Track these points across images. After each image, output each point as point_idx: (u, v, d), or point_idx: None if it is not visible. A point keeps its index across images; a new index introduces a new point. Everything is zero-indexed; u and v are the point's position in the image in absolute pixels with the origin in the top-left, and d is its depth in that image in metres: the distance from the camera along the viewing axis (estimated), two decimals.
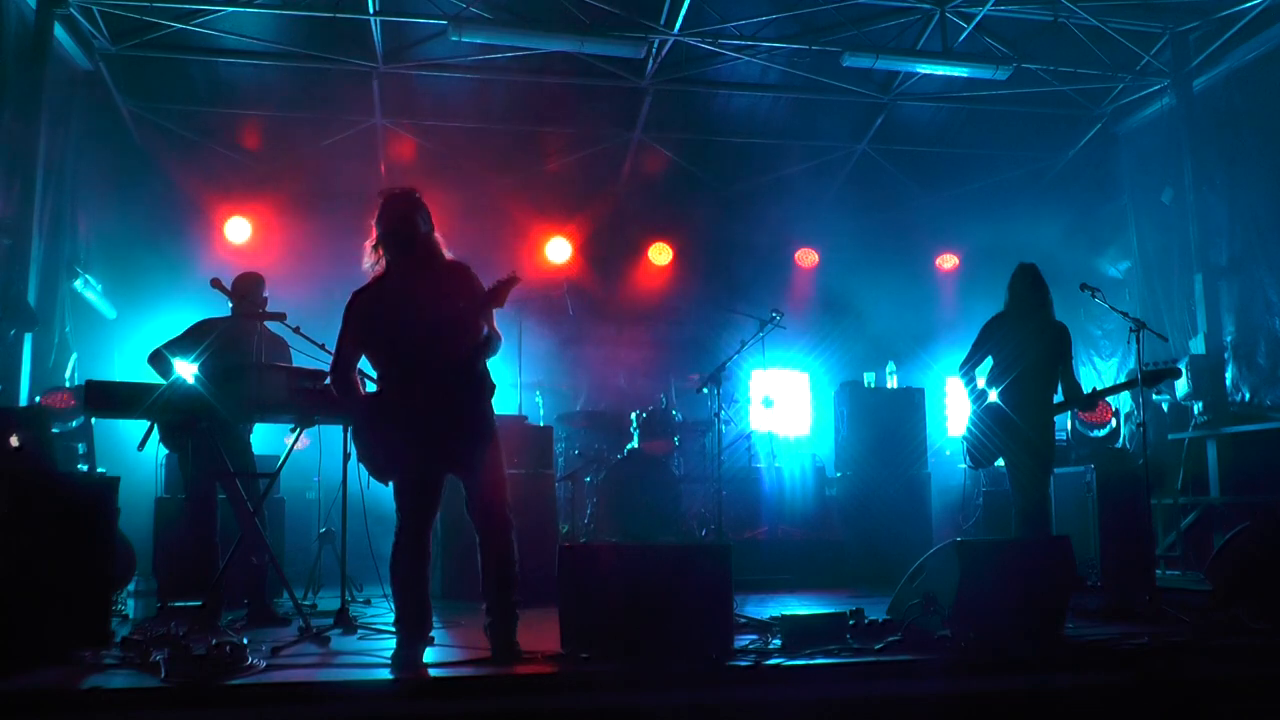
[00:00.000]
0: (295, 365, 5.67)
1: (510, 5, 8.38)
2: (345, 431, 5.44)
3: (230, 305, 5.82)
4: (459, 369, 4.15)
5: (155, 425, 5.18)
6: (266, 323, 5.74)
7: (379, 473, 4.26)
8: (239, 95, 9.51)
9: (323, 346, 5.58)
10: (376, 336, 4.25)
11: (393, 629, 4.29)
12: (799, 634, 4.43)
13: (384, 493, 4.40)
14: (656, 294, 10.91)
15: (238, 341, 5.59)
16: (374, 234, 4.31)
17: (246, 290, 5.82)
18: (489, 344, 4.20)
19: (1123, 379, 6.56)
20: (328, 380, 4.78)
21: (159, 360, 5.48)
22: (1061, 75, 9.45)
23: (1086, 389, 6.06)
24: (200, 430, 5.23)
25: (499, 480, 4.30)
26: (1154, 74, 9.39)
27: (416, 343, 4.16)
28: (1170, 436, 8.83)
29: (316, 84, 9.34)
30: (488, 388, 4.29)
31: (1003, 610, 4.58)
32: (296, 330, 5.65)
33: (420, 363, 4.14)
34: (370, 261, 4.36)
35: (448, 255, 4.35)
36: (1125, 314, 6.21)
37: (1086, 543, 6.94)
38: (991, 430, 5.90)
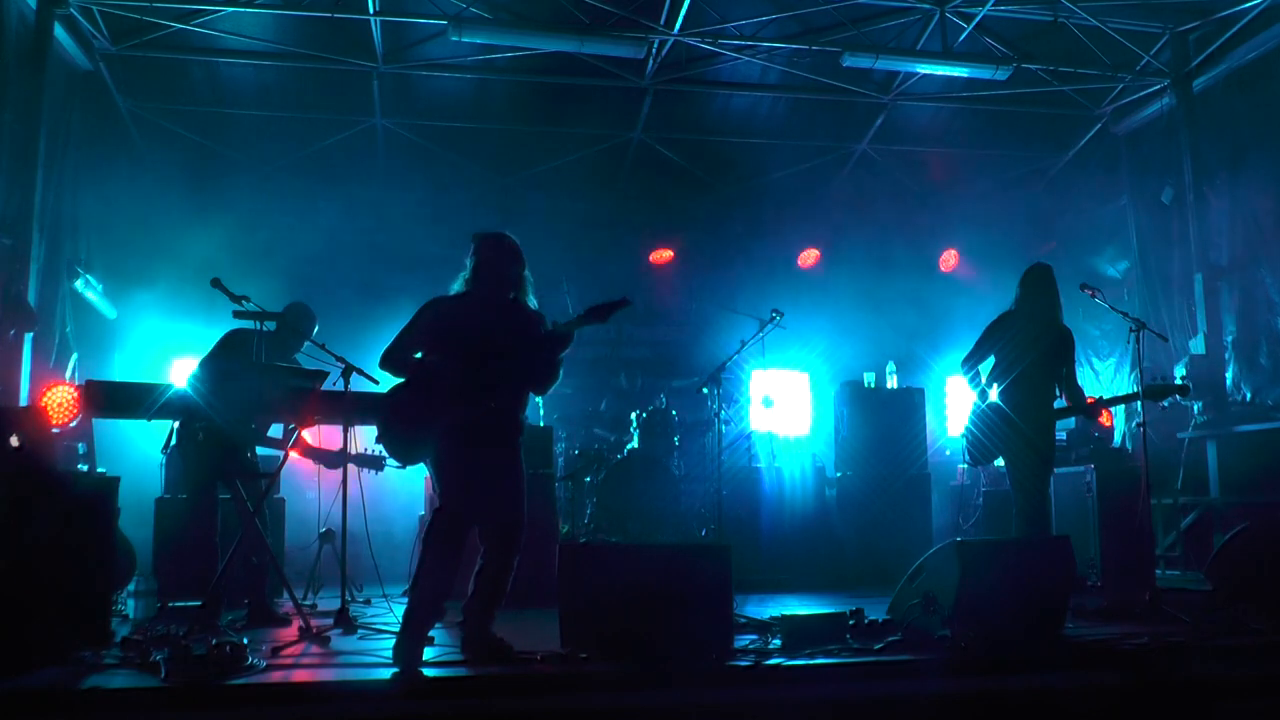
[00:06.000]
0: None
1: (510, 5, 8.37)
2: (345, 432, 5.45)
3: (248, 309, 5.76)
4: (506, 405, 4.33)
5: (175, 426, 5.22)
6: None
7: (400, 458, 4.36)
8: (239, 95, 9.49)
9: (323, 346, 5.58)
10: (445, 342, 4.33)
11: (391, 630, 4.27)
12: (799, 634, 4.43)
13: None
14: (656, 294, 10.90)
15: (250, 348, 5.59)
16: (470, 266, 4.49)
17: (299, 324, 5.78)
18: (553, 367, 4.39)
19: (1125, 380, 6.56)
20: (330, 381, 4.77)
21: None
22: (1061, 75, 9.43)
23: (1086, 391, 6.05)
24: (206, 430, 5.24)
25: (521, 509, 4.34)
26: (1154, 74, 9.37)
27: (480, 363, 4.23)
28: (1179, 435, 8.81)
29: (316, 84, 9.34)
30: (522, 436, 4.42)
31: (1003, 610, 4.58)
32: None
33: (476, 381, 4.22)
34: (460, 288, 4.49)
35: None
36: (1125, 314, 6.20)
37: (1086, 543, 6.94)
38: (992, 429, 5.89)
